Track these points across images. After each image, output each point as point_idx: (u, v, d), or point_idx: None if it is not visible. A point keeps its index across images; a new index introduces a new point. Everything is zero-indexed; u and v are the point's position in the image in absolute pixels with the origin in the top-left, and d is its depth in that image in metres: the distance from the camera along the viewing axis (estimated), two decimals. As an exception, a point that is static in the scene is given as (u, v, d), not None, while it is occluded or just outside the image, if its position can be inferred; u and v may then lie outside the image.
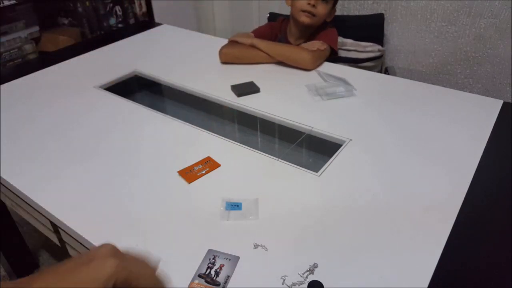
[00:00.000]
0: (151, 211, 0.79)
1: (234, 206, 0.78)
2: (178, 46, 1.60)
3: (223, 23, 2.61)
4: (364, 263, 0.66)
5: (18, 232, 1.51)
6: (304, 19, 1.39)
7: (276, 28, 1.54)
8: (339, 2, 1.50)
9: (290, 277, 0.64)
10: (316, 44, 1.35)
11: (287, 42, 1.51)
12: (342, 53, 1.71)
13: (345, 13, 2.06)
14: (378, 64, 1.76)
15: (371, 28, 1.84)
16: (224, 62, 1.40)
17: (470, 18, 1.79)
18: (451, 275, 0.65)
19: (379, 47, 1.71)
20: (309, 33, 1.46)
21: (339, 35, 1.77)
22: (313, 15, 1.38)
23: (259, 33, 1.50)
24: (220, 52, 1.40)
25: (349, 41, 1.73)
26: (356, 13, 2.06)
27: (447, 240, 0.69)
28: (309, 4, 1.36)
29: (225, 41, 1.58)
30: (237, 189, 0.83)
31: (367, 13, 1.96)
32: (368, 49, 1.69)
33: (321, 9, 1.38)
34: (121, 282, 0.35)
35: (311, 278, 0.64)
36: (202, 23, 2.68)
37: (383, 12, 1.91)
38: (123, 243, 0.72)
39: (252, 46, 1.37)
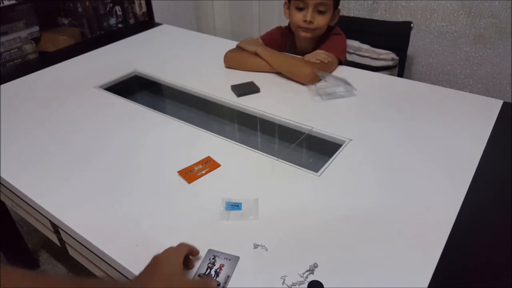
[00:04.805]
0: (151, 211, 0.79)
1: (234, 206, 0.78)
2: (178, 46, 1.60)
3: (223, 23, 2.62)
4: (364, 263, 0.66)
5: (18, 232, 1.51)
6: (304, 35, 1.35)
7: (285, 33, 1.49)
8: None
9: (290, 277, 0.64)
10: (320, 55, 1.28)
11: (294, 49, 1.48)
12: (356, 59, 1.68)
13: (351, 14, 2.06)
14: (392, 74, 1.70)
15: (395, 35, 1.74)
16: (228, 67, 1.39)
17: (470, 18, 1.79)
18: (451, 275, 0.65)
19: (393, 55, 1.65)
20: (315, 42, 1.41)
21: (361, 38, 1.73)
22: (312, 29, 1.33)
23: (268, 38, 1.46)
24: (225, 56, 1.40)
25: (365, 46, 1.68)
26: (357, 13, 2.06)
27: (447, 240, 0.70)
28: (305, 21, 1.31)
29: (225, 41, 1.59)
30: (237, 189, 0.83)
31: (392, 19, 1.90)
32: (382, 56, 1.64)
33: (320, 21, 1.32)
34: None
35: (311, 278, 0.64)
36: (202, 23, 2.68)
37: (411, 20, 1.83)
38: (123, 243, 0.72)
39: (256, 54, 1.34)
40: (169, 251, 0.61)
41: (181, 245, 0.64)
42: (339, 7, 1.38)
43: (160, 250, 0.69)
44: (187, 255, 0.64)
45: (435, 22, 1.88)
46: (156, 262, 0.59)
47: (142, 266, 0.67)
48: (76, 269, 1.59)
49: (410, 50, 1.98)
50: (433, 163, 0.89)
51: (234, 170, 0.89)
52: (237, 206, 0.78)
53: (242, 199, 0.80)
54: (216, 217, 0.76)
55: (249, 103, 1.16)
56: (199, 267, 0.66)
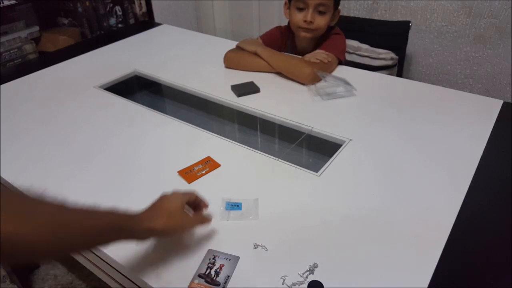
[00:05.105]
0: (151, 211, 0.79)
1: (234, 206, 0.78)
2: (178, 46, 1.60)
3: (223, 23, 2.61)
4: (364, 263, 0.66)
5: (18, 232, 1.51)
6: (304, 35, 1.35)
7: (285, 33, 1.49)
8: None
9: (290, 277, 0.64)
10: (320, 55, 1.28)
11: (294, 49, 1.48)
12: (356, 58, 1.68)
13: (351, 14, 2.06)
14: (392, 74, 1.70)
15: (394, 35, 1.74)
16: (228, 67, 1.39)
17: (470, 18, 1.79)
18: (451, 275, 0.65)
19: (393, 55, 1.65)
20: (314, 42, 1.41)
21: (359, 38, 1.73)
22: (312, 29, 1.33)
23: (268, 37, 1.46)
24: (225, 56, 1.40)
25: (365, 46, 1.68)
26: (357, 13, 2.06)
27: (447, 240, 0.70)
28: (305, 21, 1.31)
29: (225, 41, 1.59)
30: (237, 189, 0.83)
31: (392, 19, 1.89)
32: (381, 56, 1.64)
33: (320, 21, 1.32)
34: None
35: (311, 278, 0.64)
36: (202, 23, 2.68)
37: (409, 19, 1.85)
38: (123, 243, 0.72)
39: (256, 54, 1.34)
40: (176, 192, 0.68)
41: (189, 191, 0.70)
42: (339, 7, 1.38)
43: (160, 250, 0.70)
44: (197, 204, 0.71)
45: (435, 22, 1.88)
46: (161, 199, 0.66)
47: (141, 266, 0.67)
48: (76, 269, 1.59)
49: (410, 50, 1.99)
50: (433, 163, 0.89)
51: (234, 170, 0.89)
52: (237, 206, 0.78)
53: (242, 199, 0.80)
54: (216, 217, 0.76)
55: (249, 103, 1.16)
56: (199, 267, 0.66)
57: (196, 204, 0.71)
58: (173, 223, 0.64)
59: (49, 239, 0.48)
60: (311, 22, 1.31)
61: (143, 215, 0.62)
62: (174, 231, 0.67)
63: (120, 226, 0.58)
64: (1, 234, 0.42)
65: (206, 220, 0.70)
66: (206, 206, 0.73)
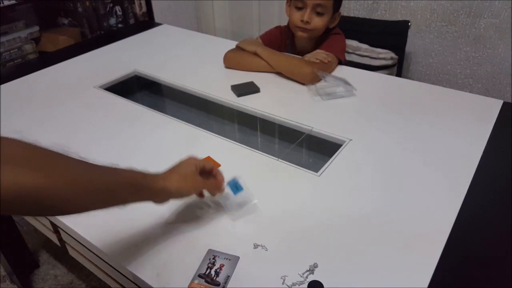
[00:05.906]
0: (150, 211, 0.79)
1: (239, 187, 0.76)
2: (178, 46, 1.60)
3: (223, 23, 2.61)
4: (364, 263, 0.66)
5: (18, 232, 1.51)
6: (300, 34, 1.36)
7: (285, 33, 1.49)
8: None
9: (290, 277, 0.64)
10: (320, 55, 1.28)
11: (293, 49, 1.48)
12: (355, 58, 1.68)
13: (351, 14, 2.06)
14: (391, 73, 1.71)
15: (392, 34, 1.73)
16: (228, 67, 1.39)
17: (470, 18, 1.79)
18: (451, 275, 0.65)
19: (392, 54, 1.65)
20: (314, 42, 1.41)
21: (358, 38, 1.73)
22: (309, 29, 1.33)
23: (268, 37, 1.46)
24: (224, 56, 1.39)
25: (364, 46, 1.68)
26: (357, 13, 2.06)
27: (447, 240, 0.70)
28: (302, 21, 1.31)
29: (225, 41, 1.59)
30: (237, 189, 0.83)
31: (391, 19, 1.88)
32: (381, 56, 1.64)
33: (317, 22, 1.32)
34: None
35: (311, 278, 0.64)
36: (202, 23, 2.68)
37: (409, 19, 1.82)
38: (123, 243, 0.72)
39: (256, 54, 1.34)
40: (191, 156, 0.73)
41: (205, 159, 0.75)
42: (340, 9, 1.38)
43: (160, 249, 0.70)
44: (212, 174, 0.74)
45: (435, 22, 1.88)
46: (178, 163, 0.71)
47: (142, 266, 0.67)
48: (76, 269, 1.59)
49: (410, 50, 1.99)
50: (433, 163, 0.89)
51: (234, 170, 0.89)
52: (238, 189, 0.76)
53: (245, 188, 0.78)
54: (216, 217, 0.76)
55: (249, 103, 1.16)
56: (199, 267, 0.66)
57: (210, 174, 0.74)
58: (186, 185, 0.68)
59: (73, 193, 0.51)
60: (307, 22, 1.31)
61: (159, 175, 0.66)
62: (187, 193, 0.70)
63: (137, 183, 0.61)
64: (29, 186, 0.46)
65: (218, 187, 0.74)
66: (221, 178, 0.75)
